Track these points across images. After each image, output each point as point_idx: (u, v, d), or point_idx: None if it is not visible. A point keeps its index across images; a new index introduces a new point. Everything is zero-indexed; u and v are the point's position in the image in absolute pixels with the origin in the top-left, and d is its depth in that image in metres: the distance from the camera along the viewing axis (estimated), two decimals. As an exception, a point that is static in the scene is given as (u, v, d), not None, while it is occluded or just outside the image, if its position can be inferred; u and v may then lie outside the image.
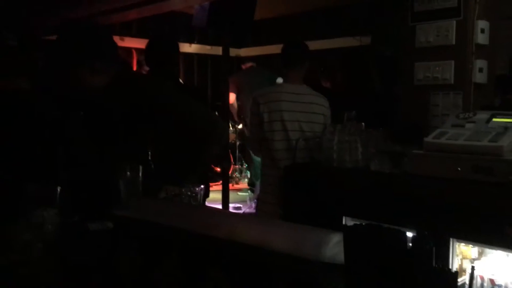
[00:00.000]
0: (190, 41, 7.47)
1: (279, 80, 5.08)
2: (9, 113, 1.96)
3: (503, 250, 1.98)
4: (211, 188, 4.22)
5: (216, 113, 3.63)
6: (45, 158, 1.94)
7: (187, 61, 7.49)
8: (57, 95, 1.99)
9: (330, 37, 6.51)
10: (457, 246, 2.05)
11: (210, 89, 7.76)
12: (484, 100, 2.88)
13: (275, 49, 4.68)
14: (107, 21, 5.10)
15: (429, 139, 2.22)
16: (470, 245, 2.10)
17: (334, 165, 2.61)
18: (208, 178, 3.96)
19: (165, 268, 1.35)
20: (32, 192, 1.63)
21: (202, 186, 1.86)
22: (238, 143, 6.94)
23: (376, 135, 2.59)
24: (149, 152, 1.97)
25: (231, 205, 4.90)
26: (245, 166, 7.07)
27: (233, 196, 5.29)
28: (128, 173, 1.74)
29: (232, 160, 6.82)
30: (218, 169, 5.09)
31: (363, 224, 1.11)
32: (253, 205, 5.25)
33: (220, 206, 4.42)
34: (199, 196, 1.83)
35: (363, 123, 2.65)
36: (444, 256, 1.98)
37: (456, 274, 1.04)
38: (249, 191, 6.26)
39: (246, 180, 6.88)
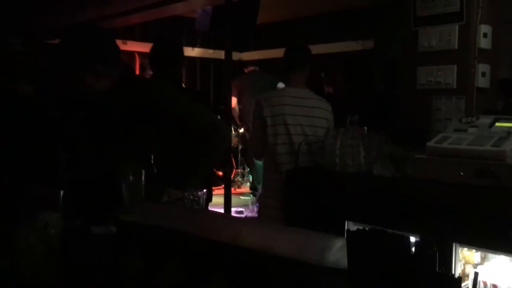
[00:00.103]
0: (193, 45, 7.49)
1: (280, 84, 5.09)
2: (10, 113, 1.97)
3: (506, 255, 1.98)
4: (213, 192, 4.21)
5: (219, 116, 3.63)
6: (46, 159, 1.94)
7: (189, 65, 7.50)
8: (59, 98, 1.99)
9: (333, 41, 6.51)
10: (460, 251, 2.04)
11: (212, 92, 7.77)
12: (487, 105, 2.87)
13: (277, 53, 4.69)
14: (110, 25, 5.12)
15: (431, 143, 2.22)
16: (473, 250, 2.09)
17: (337, 169, 2.61)
18: (211, 182, 3.95)
19: (168, 272, 1.35)
20: (32, 193, 1.64)
21: (204, 190, 1.85)
22: (240, 147, 6.93)
23: (378, 139, 2.59)
24: (152, 156, 1.96)
25: (233, 209, 4.89)
26: (247, 170, 7.06)
27: (235, 200, 5.26)
28: (131, 177, 1.74)
29: (234, 164, 6.81)
30: (220, 173, 5.08)
31: (367, 229, 1.11)
32: (255, 209, 5.24)
33: (222, 210, 4.41)
34: (201, 200, 1.82)
35: (365, 127, 2.65)
36: (447, 261, 1.98)
37: (459, 280, 1.04)
38: (251, 195, 6.25)
39: (248, 184, 6.87)
